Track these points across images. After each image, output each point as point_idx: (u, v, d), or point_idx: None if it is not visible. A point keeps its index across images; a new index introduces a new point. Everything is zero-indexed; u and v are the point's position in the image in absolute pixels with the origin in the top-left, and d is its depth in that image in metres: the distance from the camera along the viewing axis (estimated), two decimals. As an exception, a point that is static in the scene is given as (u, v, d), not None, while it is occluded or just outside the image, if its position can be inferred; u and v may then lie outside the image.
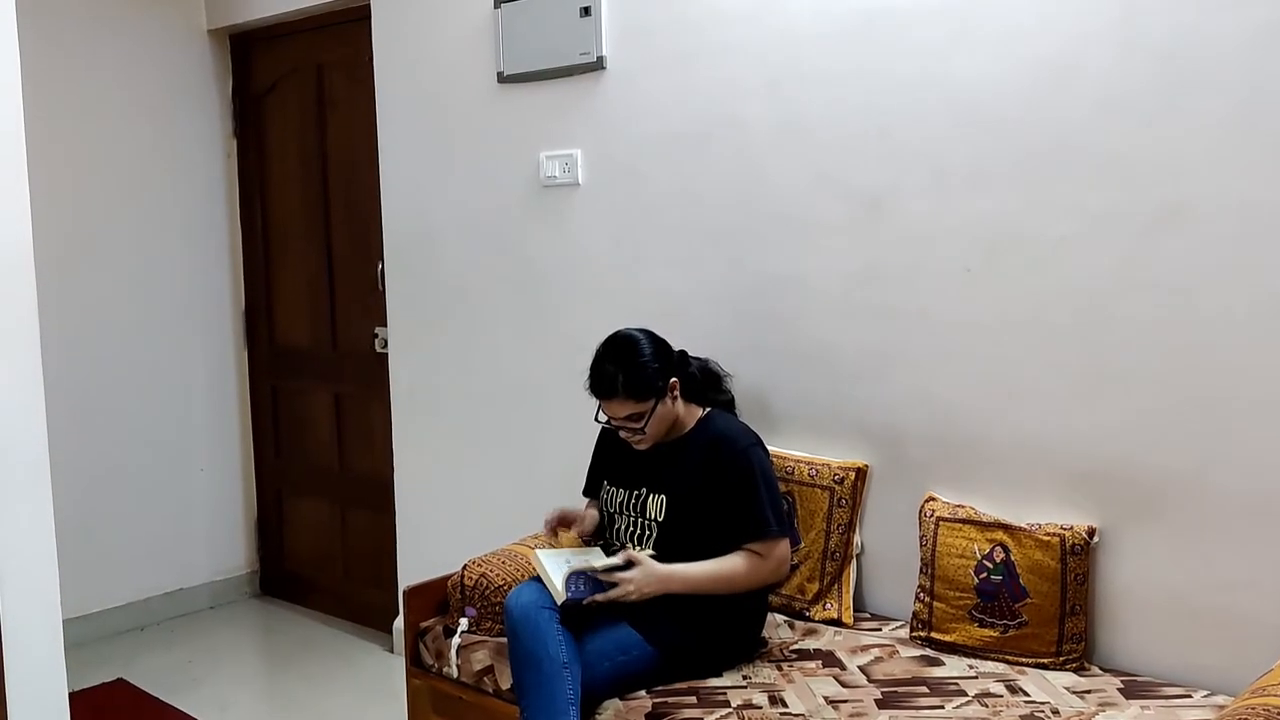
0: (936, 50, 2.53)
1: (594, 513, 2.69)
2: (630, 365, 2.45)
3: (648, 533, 2.51)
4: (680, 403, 2.53)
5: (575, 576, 2.37)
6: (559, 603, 2.34)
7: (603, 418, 2.54)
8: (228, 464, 4.55)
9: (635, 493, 2.55)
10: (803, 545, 2.70)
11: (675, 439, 2.55)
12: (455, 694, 2.63)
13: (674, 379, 2.51)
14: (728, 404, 2.71)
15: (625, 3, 3.05)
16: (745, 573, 2.42)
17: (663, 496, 2.50)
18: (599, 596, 2.35)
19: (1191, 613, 2.30)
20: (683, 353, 2.60)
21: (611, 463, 2.65)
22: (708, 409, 2.61)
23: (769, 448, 2.58)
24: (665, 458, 2.53)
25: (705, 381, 2.66)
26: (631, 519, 2.55)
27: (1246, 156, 2.17)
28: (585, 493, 2.77)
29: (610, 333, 2.56)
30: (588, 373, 2.50)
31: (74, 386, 3.96)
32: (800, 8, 2.72)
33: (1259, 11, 2.13)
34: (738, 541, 2.43)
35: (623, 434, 2.52)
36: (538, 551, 2.48)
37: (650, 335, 2.54)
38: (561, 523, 2.64)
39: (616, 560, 2.37)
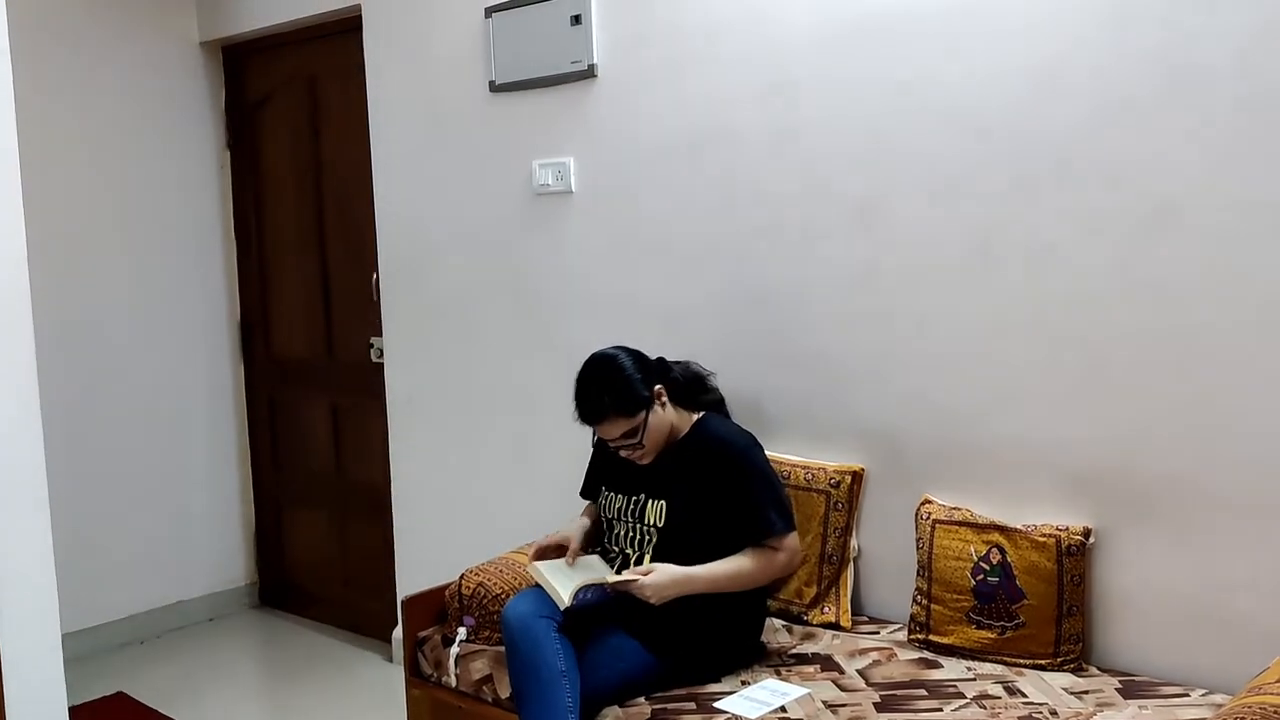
0: (928, 56, 2.54)
1: (584, 524, 2.68)
2: (613, 383, 2.45)
3: (647, 538, 2.51)
4: (670, 409, 2.53)
5: (584, 590, 2.36)
6: (562, 608, 2.34)
7: (599, 439, 2.53)
8: (226, 475, 4.55)
9: (634, 499, 2.55)
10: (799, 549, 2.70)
11: (672, 444, 2.55)
12: (454, 703, 2.63)
13: (659, 386, 2.50)
14: (717, 403, 2.71)
15: (616, 11, 3.06)
16: (761, 567, 2.42)
17: (662, 502, 2.50)
18: (613, 582, 2.33)
19: (1188, 612, 2.30)
20: (661, 359, 2.60)
21: (609, 468, 2.64)
22: (701, 413, 2.61)
23: (766, 453, 2.57)
24: (664, 463, 2.53)
25: (690, 384, 2.65)
26: (630, 525, 2.55)
27: (1240, 158, 2.17)
28: (583, 494, 2.77)
29: (586, 358, 2.54)
30: (574, 403, 2.49)
31: (71, 400, 3.96)
32: (792, 16, 2.73)
33: (1250, 14, 2.14)
34: (745, 543, 2.43)
35: (624, 453, 2.51)
36: (536, 564, 2.48)
37: (624, 349, 2.54)
38: (556, 551, 2.57)
39: (627, 575, 2.36)
